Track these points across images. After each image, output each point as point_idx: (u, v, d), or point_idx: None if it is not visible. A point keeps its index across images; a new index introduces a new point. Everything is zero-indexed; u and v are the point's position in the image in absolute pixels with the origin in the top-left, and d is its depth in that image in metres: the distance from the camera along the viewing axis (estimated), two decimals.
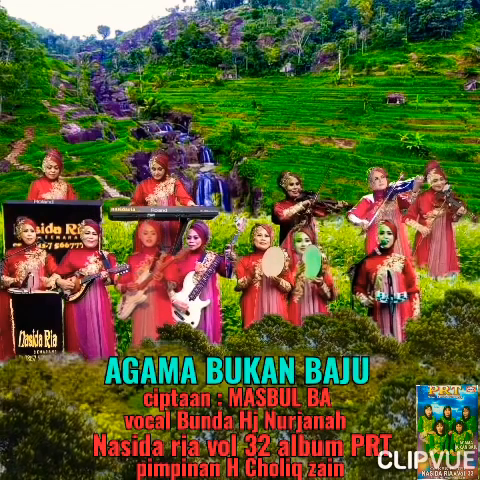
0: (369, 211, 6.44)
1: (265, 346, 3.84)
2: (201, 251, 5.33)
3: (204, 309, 5.20)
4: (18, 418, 2.62)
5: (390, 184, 6.50)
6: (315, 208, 6.20)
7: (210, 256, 5.30)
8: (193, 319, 5.08)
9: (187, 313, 5.15)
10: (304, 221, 6.14)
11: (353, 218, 6.49)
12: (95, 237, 5.29)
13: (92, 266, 5.22)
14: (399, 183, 6.53)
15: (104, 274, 5.16)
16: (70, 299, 5.17)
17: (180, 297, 5.19)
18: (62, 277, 5.21)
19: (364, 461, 2.77)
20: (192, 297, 5.17)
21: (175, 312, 5.19)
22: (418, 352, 3.79)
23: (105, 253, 5.37)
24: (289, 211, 6.13)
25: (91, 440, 2.68)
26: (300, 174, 6.75)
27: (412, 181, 6.53)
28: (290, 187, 6.25)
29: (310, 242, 5.22)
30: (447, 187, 6.66)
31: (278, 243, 5.98)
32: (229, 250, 5.23)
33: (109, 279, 5.21)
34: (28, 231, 5.31)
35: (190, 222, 5.73)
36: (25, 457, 2.56)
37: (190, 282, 5.21)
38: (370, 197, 6.56)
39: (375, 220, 6.28)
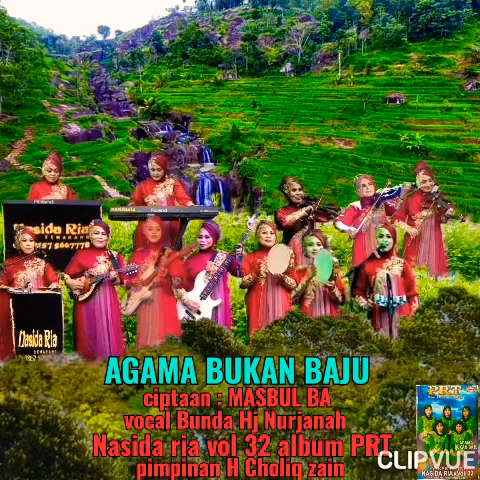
0: (356, 218, 6.45)
1: (289, 342, 3.80)
2: (212, 250, 5.33)
3: (215, 308, 5.19)
4: (10, 422, 2.61)
5: (377, 191, 6.51)
6: (318, 214, 6.23)
7: (221, 255, 5.30)
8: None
9: (198, 312, 5.13)
10: (307, 227, 6.16)
11: (340, 225, 6.48)
12: (104, 237, 5.28)
13: (101, 266, 5.22)
14: (386, 190, 6.53)
15: (113, 274, 5.16)
16: (79, 299, 5.18)
17: (191, 296, 5.18)
18: (71, 277, 5.21)
19: (364, 461, 2.77)
20: (203, 296, 5.17)
21: (186, 311, 5.19)
22: (411, 349, 3.76)
23: (114, 253, 5.35)
24: (292, 217, 6.14)
25: (83, 444, 2.66)
26: (300, 174, 6.78)
27: (399, 188, 6.54)
28: (293, 193, 6.26)
29: (322, 246, 5.16)
30: (436, 188, 6.62)
31: None
32: (240, 249, 5.23)
33: (118, 279, 5.21)
34: (27, 241, 5.28)
35: (201, 222, 5.73)
36: (17, 461, 2.55)
37: (201, 281, 5.20)
38: (357, 204, 6.56)
39: (362, 227, 6.33)
